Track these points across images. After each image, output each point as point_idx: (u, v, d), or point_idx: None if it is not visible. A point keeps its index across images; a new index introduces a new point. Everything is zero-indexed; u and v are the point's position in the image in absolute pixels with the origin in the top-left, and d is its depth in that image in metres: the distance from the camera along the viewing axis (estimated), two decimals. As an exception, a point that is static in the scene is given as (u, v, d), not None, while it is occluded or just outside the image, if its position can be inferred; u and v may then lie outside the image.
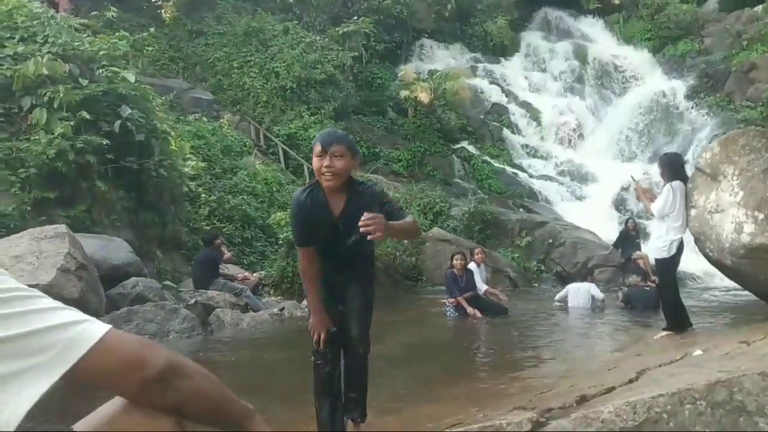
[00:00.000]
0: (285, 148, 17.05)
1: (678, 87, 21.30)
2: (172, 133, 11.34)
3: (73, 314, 0.94)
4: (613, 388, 2.93)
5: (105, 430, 0.98)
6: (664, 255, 5.37)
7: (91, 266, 6.60)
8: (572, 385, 3.43)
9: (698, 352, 3.53)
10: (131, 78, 9.79)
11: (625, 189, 16.60)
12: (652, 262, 6.72)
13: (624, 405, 2.37)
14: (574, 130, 21.62)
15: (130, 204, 9.91)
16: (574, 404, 2.76)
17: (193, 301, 7.44)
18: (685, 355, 3.55)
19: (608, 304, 9.24)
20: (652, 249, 5.61)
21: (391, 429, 2.52)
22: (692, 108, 20.62)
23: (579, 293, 9.17)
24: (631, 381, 3.06)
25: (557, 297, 9.66)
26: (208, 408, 1.04)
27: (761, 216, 4.67)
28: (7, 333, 0.86)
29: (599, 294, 9.22)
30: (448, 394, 3.75)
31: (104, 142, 8.94)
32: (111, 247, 7.84)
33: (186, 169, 11.61)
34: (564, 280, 12.50)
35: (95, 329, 0.94)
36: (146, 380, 0.96)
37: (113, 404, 1.01)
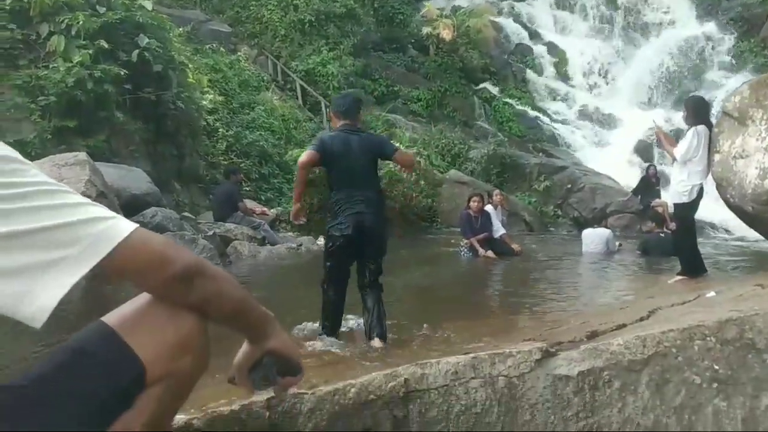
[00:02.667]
0: (303, 84, 16.84)
1: (711, 30, 20.48)
2: (190, 65, 11.24)
3: (103, 210, 0.96)
4: (624, 325, 2.95)
5: (132, 320, 1.01)
6: (684, 200, 5.30)
7: (111, 194, 6.69)
8: (584, 322, 3.46)
9: (711, 293, 3.53)
10: (149, 6, 9.64)
11: (648, 136, 16.28)
12: (671, 209, 6.64)
13: (634, 338, 2.39)
14: (600, 73, 21.04)
15: (148, 135, 9.95)
16: (585, 339, 2.79)
17: (211, 232, 7.56)
18: (698, 297, 3.56)
19: (625, 251, 9.20)
20: (672, 193, 5.52)
21: (401, 360, 2.57)
22: (725, 53, 19.88)
23: (593, 239, 9.11)
24: (642, 319, 3.08)
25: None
26: (229, 310, 1.08)
27: (788, 162, 4.56)
28: (41, 224, 0.87)
29: (613, 242, 9.16)
30: (458, 328, 3.81)
31: (122, 72, 8.90)
32: (130, 177, 7.91)
33: (204, 103, 11.56)
34: (581, 225, 12.44)
35: (123, 226, 0.95)
36: (170, 278, 0.98)
37: (140, 299, 1.05)
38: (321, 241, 9.84)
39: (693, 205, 5.35)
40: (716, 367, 2.34)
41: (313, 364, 2.98)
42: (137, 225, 0.98)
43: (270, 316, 1.18)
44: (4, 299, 0.84)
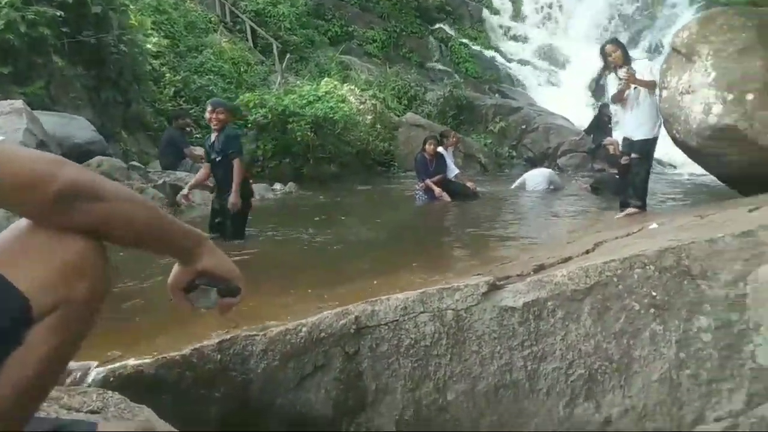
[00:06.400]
0: (253, 25, 16.22)
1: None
2: (131, 6, 10.67)
3: None
4: (570, 258, 3.03)
5: (9, 250, 0.92)
6: (655, 134, 5.48)
7: (52, 144, 6.41)
8: (531, 257, 3.54)
9: (654, 225, 3.65)
10: (82, -59, 9.00)
11: (600, 75, 16.40)
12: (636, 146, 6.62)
13: (577, 269, 2.46)
14: (554, 12, 20.93)
15: (90, 82, 9.49)
16: (532, 272, 2.85)
17: (161, 181, 7.36)
18: (642, 229, 3.68)
19: (576, 190, 9.43)
20: (642, 130, 5.53)
21: (343, 297, 2.59)
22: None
23: (537, 177, 9.39)
24: (588, 251, 3.17)
25: (514, 185, 9.83)
26: (135, 233, 0.99)
27: (730, 97, 4.66)
28: None
29: (557, 179, 9.41)
30: (410, 268, 3.86)
31: (58, 14, 8.38)
32: (72, 126, 7.58)
33: (148, 46, 11.05)
34: (534, 165, 12.63)
35: None
36: (45, 200, 0.88)
37: (18, 225, 0.94)
38: (277, 186, 9.76)
39: (656, 139, 5.54)
40: (654, 294, 2.44)
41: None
42: (0, 138, 0.89)
43: (198, 236, 1.09)
44: None
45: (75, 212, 0.91)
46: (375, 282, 3.49)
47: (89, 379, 2.18)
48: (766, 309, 2.44)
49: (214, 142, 5.32)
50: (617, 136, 8.87)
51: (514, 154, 14.48)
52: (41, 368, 0.90)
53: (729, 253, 2.44)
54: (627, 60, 5.55)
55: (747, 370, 2.46)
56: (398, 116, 14.03)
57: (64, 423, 1.11)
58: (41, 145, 6.02)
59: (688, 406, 2.44)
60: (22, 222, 0.94)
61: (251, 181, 9.93)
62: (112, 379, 2.15)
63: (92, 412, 1.46)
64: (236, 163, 5.21)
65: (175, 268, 1.10)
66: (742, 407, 2.45)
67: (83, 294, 0.93)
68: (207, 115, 5.30)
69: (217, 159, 5.24)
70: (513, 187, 9.76)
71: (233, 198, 5.19)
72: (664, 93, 5.28)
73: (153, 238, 1.02)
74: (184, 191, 5.72)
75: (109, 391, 1.67)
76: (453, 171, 9.00)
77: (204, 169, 5.64)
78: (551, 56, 19.32)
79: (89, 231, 0.94)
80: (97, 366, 2.20)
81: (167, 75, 11.75)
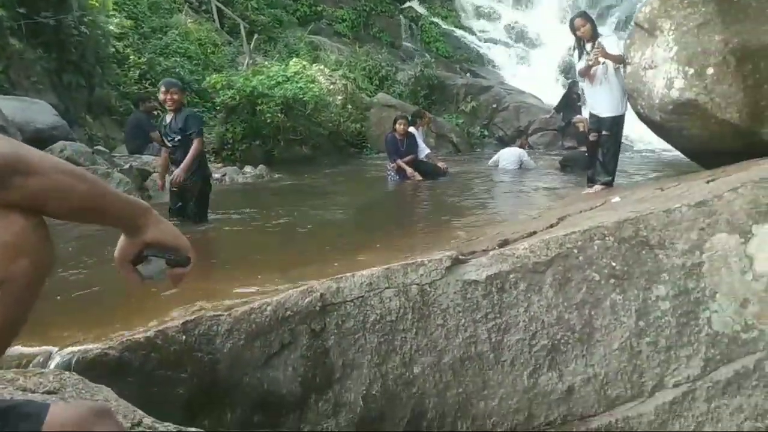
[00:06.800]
0: (219, 5, 15.89)
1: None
2: (91, -14, 10.34)
3: None
4: (534, 233, 3.08)
5: None
6: (623, 110, 5.54)
7: (12, 129, 6.24)
8: (498, 232, 3.58)
9: (617, 198, 3.73)
10: None
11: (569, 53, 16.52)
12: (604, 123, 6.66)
13: (538, 242, 2.51)
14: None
15: (51, 65, 9.21)
16: (497, 247, 2.89)
17: (127, 165, 7.22)
18: (605, 202, 3.75)
19: (545, 167, 9.55)
20: (610, 107, 5.58)
21: (308, 277, 2.59)
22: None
23: (509, 157, 9.52)
24: (552, 226, 3.22)
25: (490, 161, 9.99)
26: (72, 206, 0.96)
27: (691, 71, 4.74)
28: None
29: (527, 159, 9.54)
30: (379, 247, 3.88)
31: (12, -6, 8.10)
32: (33, 110, 7.37)
33: (110, 27, 10.74)
34: (505, 144, 12.72)
35: None
36: None
37: None
38: (248, 169, 9.66)
39: (624, 116, 5.62)
40: (614, 264, 2.50)
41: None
42: None
43: (142, 206, 1.07)
44: None
45: (8, 188, 0.88)
46: (338, 263, 3.49)
47: (52, 364, 2.15)
48: (721, 276, 2.52)
49: (171, 122, 5.19)
50: (586, 113, 8.97)
51: (486, 133, 14.55)
52: None
53: (685, 223, 2.51)
54: (595, 34, 5.60)
55: (704, 336, 2.54)
56: (369, 97, 13.95)
57: (16, 402, 1.09)
58: (1, 130, 5.85)
59: (647, 372, 2.52)
60: None
61: (221, 164, 9.89)
62: (75, 363, 2.13)
63: (49, 392, 1.44)
64: (196, 141, 5.10)
65: (121, 240, 1.08)
66: (699, 372, 2.54)
67: (25, 270, 0.91)
68: (161, 96, 5.19)
69: (177, 139, 5.14)
70: (489, 163, 9.90)
71: (179, 172, 5.05)
72: (628, 68, 5.34)
73: (94, 209, 1.00)
74: (159, 182, 5.54)
75: (67, 372, 1.66)
76: (424, 151, 9.03)
77: (163, 152, 5.50)
78: (521, 35, 19.36)
79: (27, 206, 0.91)
80: (59, 350, 2.17)
81: (131, 57, 11.47)
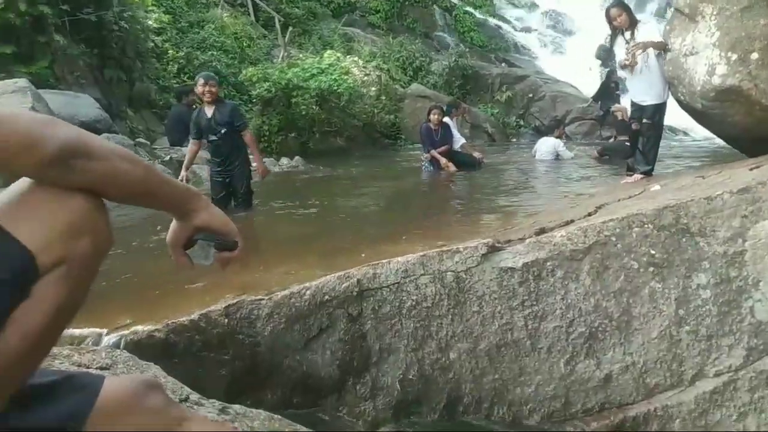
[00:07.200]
0: (254, -1, 16.06)
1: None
2: (131, -18, 10.59)
3: None
4: (571, 221, 3.06)
5: (13, 208, 0.94)
6: (666, 98, 5.42)
7: (58, 123, 6.45)
8: (535, 222, 3.56)
9: (656, 187, 3.66)
10: None
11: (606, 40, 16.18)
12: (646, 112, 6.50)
13: (575, 229, 2.49)
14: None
15: (93, 60, 9.50)
16: (533, 235, 2.89)
17: (167, 157, 7.41)
18: (644, 191, 3.69)
19: (583, 157, 9.40)
20: (652, 95, 5.46)
21: (344, 266, 2.62)
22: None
23: (544, 147, 9.40)
24: (590, 214, 3.19)
25: (532, 151, 9.84)
26: (130, 190, 1.02)
27: (734, 57, 4.61)
28: None
29: (563, 149, 9.38)
30: (414, 236, 3.89)
31: (56, -9, 8.36)
32: (78, 104, 7.61)
33: (149, 22, 10.99)
34: (542, 134, 12.53)
35: None
36: (42, 162, 0.90)
37: (21, 184, 0.96)
38: (283, 161, 9.78)
39: (666, 104, 5.49)
40: (653, 252, 2.47)
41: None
42: None
43: (193, 192, 1.12)
44: None
45: (73, 171, 0.93)
46: (373, 251, 3.52)
47: (101, 345, 2.25)
48: (764, 264, 2.47)
49: (214, 115, 5.29)
50: (625, 101, 8.77)
51: (522, 123, 14.38)
52: (48, 319, 0.94)
53: (727, 210, 2.46)
54: (633, 22, 5.45)
55: (746, 326, 2.50)
56: (403, 87, 13.92)
57: (74, 373, 1.16)
58: (47, 123, 6.06)
59: (687, 361, 2.49)
60: (26, 180, 0.96)
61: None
62: (124, 344, 2.21)
63: (102, 368, 1.52)
64: (249, 134, 5.49)
65: (173, 224, 1.13)
66: (741, 362, 2.50)
67: (86, 249, 0.97)
68: (199, 88, 5.31)
69: (222, 132, 5.26)
70: (532, 153, 9.75)
71: (261, 169, 5.56)
72: (668, 55, 5.21)
73: (150, 193, 1.05)
74: (182, 175, 5.63)
75: (118, 350, 1.73)
76: (459, 141, 8.97)
77: (193, 146, 5.56)
78: (558, 23, 19.03)
79: (89, 189, 0.97)
80: (108, 333, 2.27)
81: (170, 51, 11.71)
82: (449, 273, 2.39)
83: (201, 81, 5.30)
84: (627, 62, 5.33)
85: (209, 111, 5.31)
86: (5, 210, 0.93)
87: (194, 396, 1.63)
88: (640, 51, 5.21)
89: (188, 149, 5.73)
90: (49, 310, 0.94)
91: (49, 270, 0.94)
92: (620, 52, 5.60)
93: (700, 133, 9.96)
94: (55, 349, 1.52)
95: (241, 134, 5.35)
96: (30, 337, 0.93)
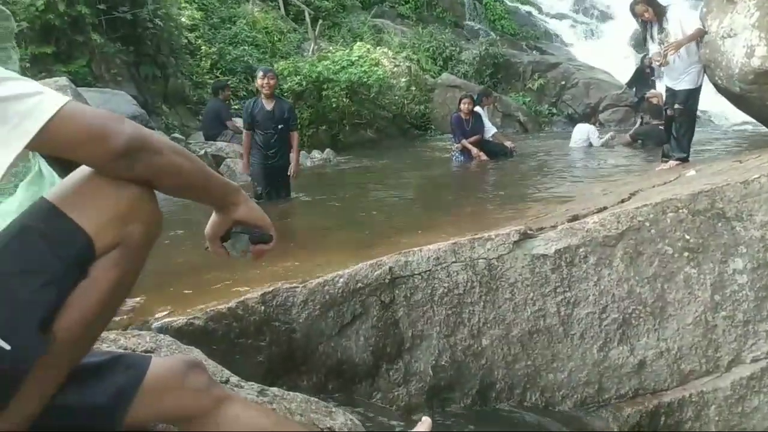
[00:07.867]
0: (284, -7, 16.15)
1: None
2: (164, -20, 10.77)
3: (26, 85, 0.95)
4: (605, 208, 3.03)
5: (73, 194, 1.02)
6: (700, 83, 5.32)
7: (97, 119, 6.64)
8: (567, 209, 3.54)
9: (692, 172, 3.60)
10: None
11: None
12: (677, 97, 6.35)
13: (609, 215, 2.48)
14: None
15: (129, 58, 9.72)
16: (566, 222, 2.88)
17: (202, 152, 7.56)
18: (679, 177, 3.63)
19: (616, 144, 9.24)
20: (685, 79, 5.35)
21: (377, 255, 2.65)
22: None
23: (577, 134, 9.28)
24: (623, 201, 3.16)
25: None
26: (181, 182, 1.09)
27: (775, 37, 4.49)
28: None
29: (595, 136, 9.23)
30: (445, 224, 3.91)
31: (93, -9, 8.58)
32: (115, 101, 7.81)
33: (182, 19, 11.18)
34: (575, 122, 12.34)
35: (51, 101, 0.95)
36: (110, 153, 0.98)
37: (81, 172, 1.04)
38: (315, 154, 9.87)
39: (700, 89, 5.38)
40: (687, 237, 2.45)
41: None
42: (69, 98, 0.97)
43: (233, 186, 1.19)
44: None
45: (137, 164, 1.01)
46: (406, 240, 3.55)
47: (145, 330, 2.34)
48: (804, 249, 2.42)
49: (273, 110, 5.40)
50: (660, 87, 8.58)
51: (555, 111, 14.18)
52: (104, 297, 1.02)
53: (765, 194, 2.42)
54: (661, 13, 5.29)
55: (785, 311, 2.45)
56: (433, 78, 13.87)
57: (123, 353, 1.23)
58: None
59: (723, 347, 2.46)
60: (85, 169, 1.04)
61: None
62: (165, 331, 2.30)
63: (146, 351, 1.59)
64: (297, 134, 5.69)
65: (213, 217, 1.21)
66: (779, 348, 2.46)
67: (138, 234, 1.05)
68: (258, 81, 5.45)
69: (279, 127, 5.42)
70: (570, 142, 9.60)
71: (296, 168, 5.65)
72: (705, 38, 5.09)
73: (197, 187, 1.13)
74: (244, 162, 5.72)
75: (161, 334, 1.81)
76: (490, 130, 8.90)
77: (247, 137, 5.63)
78: (591, 8, 18.67)
79: (144, 180, 1.05)
80: (153, 320, 2.35)
81: (203, 47, 11.89)
82: (481, 260, 2.41)
83: (260, 73, 5.48)
84: (659, 62, 5.25)
85: (269, 105, 5.42)
86: (66, 197, 1.02)
87: (234, 378, 1.69)
88: (673, 52, 5.10)
89: (243, 139, 5.80)
90: (105, 288, 1.02)
91: (104, 252, 1.02)
92: (653, 46, 5.47)
93: (736, 117, 9.69)
94: (102, 333, 1.61)
95: (291, 132, 5.55)
96: (87, 314, 1.00)
